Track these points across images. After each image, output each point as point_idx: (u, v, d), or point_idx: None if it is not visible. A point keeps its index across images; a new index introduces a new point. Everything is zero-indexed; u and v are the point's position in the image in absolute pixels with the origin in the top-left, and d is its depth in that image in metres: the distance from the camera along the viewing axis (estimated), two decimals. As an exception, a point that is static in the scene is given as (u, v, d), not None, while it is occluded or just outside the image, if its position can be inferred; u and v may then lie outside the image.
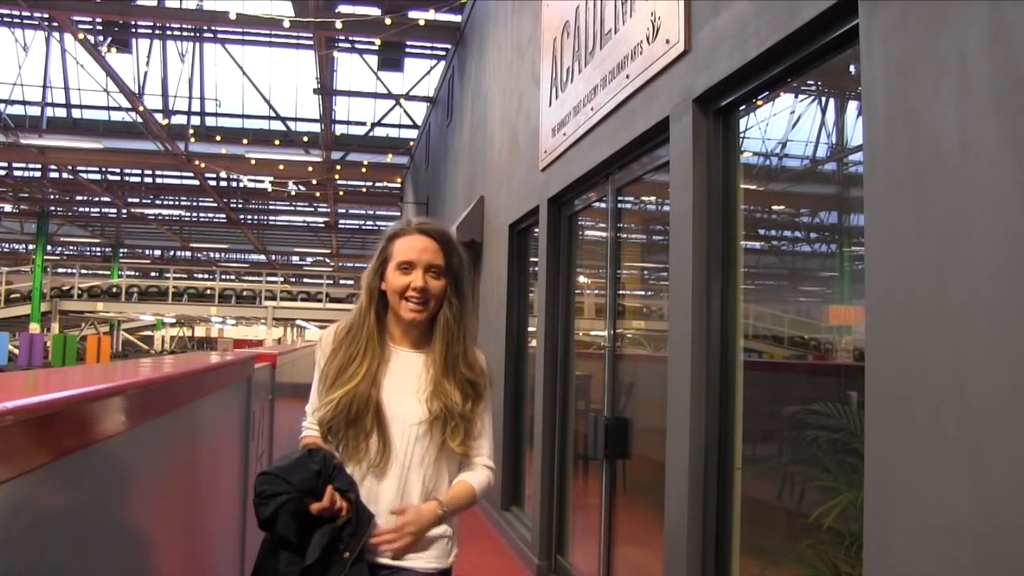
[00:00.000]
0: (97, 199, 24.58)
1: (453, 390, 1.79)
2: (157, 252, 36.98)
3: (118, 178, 22.85)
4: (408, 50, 13.44)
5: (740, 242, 2.72)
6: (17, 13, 14.85)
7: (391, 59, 13.27)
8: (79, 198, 25.21)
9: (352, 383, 1.77)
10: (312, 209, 26.24)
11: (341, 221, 27.93)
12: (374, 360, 1.80)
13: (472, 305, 1.92)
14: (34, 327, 24.12)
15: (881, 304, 1.78)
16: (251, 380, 3.07)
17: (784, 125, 2.71)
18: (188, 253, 36.96)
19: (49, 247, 28.42)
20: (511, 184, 5.97)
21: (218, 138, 17.22)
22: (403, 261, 1.79)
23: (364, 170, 17.24)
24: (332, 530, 1.67)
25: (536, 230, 5.19)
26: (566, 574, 4.47)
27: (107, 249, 33.41)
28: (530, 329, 5.69)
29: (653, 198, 3.87)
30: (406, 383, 1.81)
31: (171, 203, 26.86)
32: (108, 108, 18.54)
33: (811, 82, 2.59)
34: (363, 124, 18.12)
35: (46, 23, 15.51)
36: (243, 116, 19.47)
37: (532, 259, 5.56)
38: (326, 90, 14.14)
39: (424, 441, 1.78)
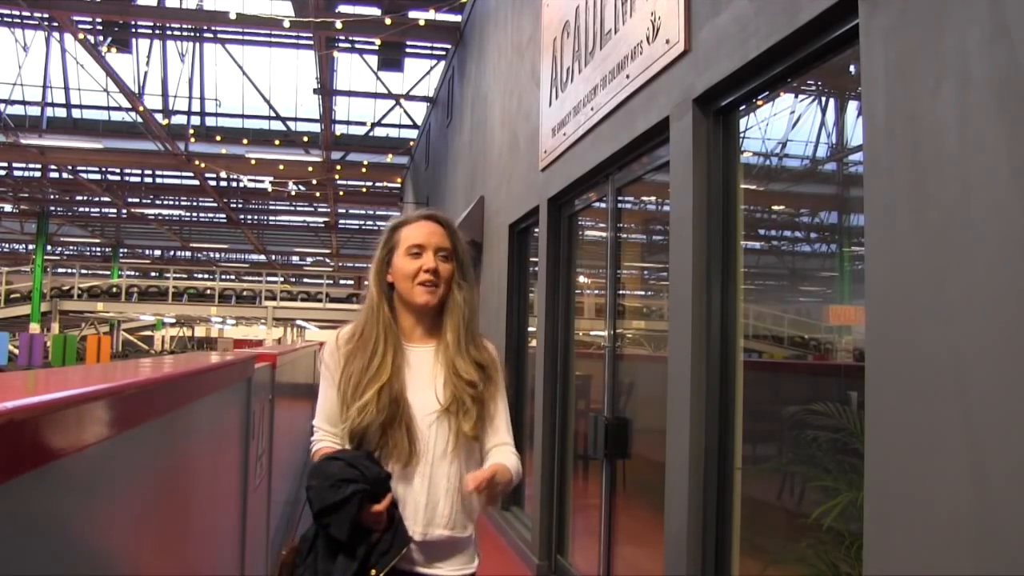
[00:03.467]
0: (97, 199, 24.58)
1: (467, 369, 1.78)
2: (157, 252, 36.99)
3: (118, 178, 22.85)
4: (408, 50, 13.45)
5: (740, 242, 2.72)
6: (17, 13, 14.85)
7: (391, 59, 13.28)
8: (79, 198, 25.21)
9: (383, 378, 1.74)
10: (312, 209, 26.24)
11: (341, 221, 27.94)
12: (397, 352, 1.78)
13: (477, 293, 1.93)
14: (34, 327, 24.12)
15: (881, 304, 1.78)
16: (251, 380, 3.07)
17: (784, 125, 2.71)
18: (188, 253, 36.97)
19: (49, 247, 28.41)
20: (511, 184, 5.97)
21: (218, 138, 17.22)
22: (413, 245, 1.80)
23: (364, 170, 17.23)
24: (367, 545, 1.64)
25: (536, 230, 5.19)
26: (566, 574, 4.47)
27: (107, 249, 33.41)
28: (530, 329, 5.69)
29: (653, 198, 3.87)
30: (422, 377, 1.80)
31: (171, 203, 26.86)
32: (108, 108, 18.56)
33: (811, 82, 2.59)
34: (363, 124, 18.12)
35: (46, 23, 15.50)
36: (243, 116, 19.50)
37: (532, 259, 5.56)
38: (326, 90, 14.13)
39: (443, 432, 1.76)
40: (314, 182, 18.68)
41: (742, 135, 2.77)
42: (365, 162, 16.99)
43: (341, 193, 21.06)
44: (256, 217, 28.62)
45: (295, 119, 18.94)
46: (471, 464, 1.80)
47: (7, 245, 35.68)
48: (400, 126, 18.05)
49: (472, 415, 1.77)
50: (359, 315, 1.87)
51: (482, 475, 1.64)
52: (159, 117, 16.76)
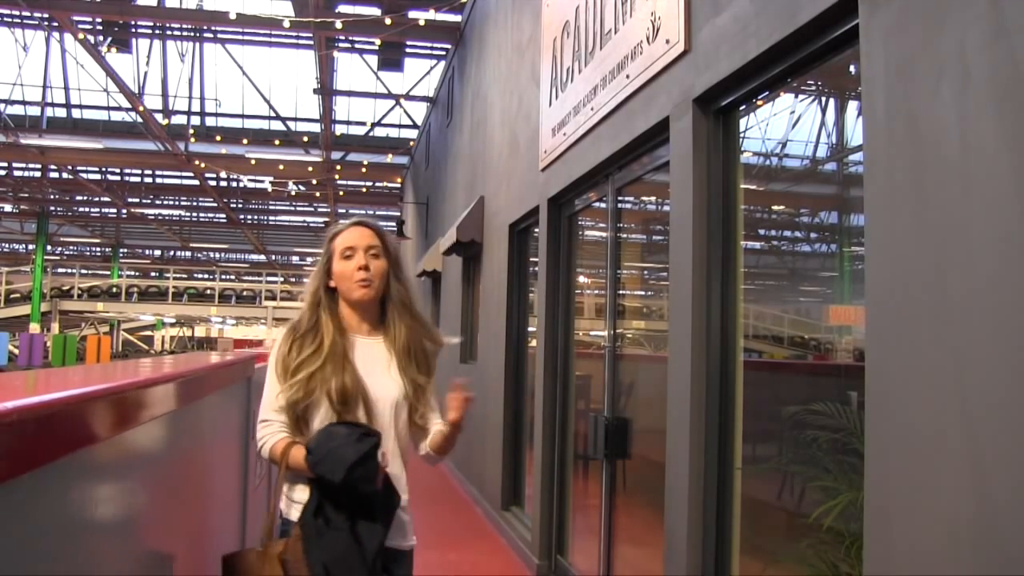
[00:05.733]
0: (97, 199, 24.57)
1: (416, 368, 1.99)
2: (157, 252, 36.98)
3: (118, 178, 22.84)
4: (408, 50, 13.44)
5: (740, 242, 2.72)
6: (17, 13, 14.85)
7: (391, 59, 13.28)
8: (79, 198, 25.20)
9: (315, 363, 1.88)
10: (312, 209, 26.23)
11: (341, 221, 27.90)
12: (335, 343, 1.93)
13: (413, 287, 2.12)
14: (34, 327, 24.12)
15: (881, 304, 1.78)
16: (251, 380, 3.07)
17: (784, 125, 2.71)
18: (188, 253, 36.96)
19: (49, 247, 28.41)
20: (511, 184, 5.97)
21: (218, 138, 17.21)
22: (346, 248, 1.98)
23: (364, 170, 17.23)
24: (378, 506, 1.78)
25: (536, 230, 5.19)
26: (566, 574, 4.47)
27: (107, 249, 33.40)
28: (530, 329, 5.69)
29: (653, 198, 3.87)
30: (376, 365, 1.96)
31: (171, 203, 26.86)
32: (108, 108, 18.55)
33: (811, 82, 2.59)
34: (363, 124, 18.11)
35: (46, 23, 15.50)
36: (243, 116, 19.47)
37: (532, 259, 5.56)
38: (326, 90, 14.13)
39: (402, 415, 1.96)
40: (314, 182, 18.68)
41: (742, 135, 2.77)
42: (365, 162, 16.98)
43: (341, 193, 21.05)
44: (256, 217, 28.61)
45: (295, 119, 18.94)
46: (407, 440, 2.02)
47: (7, 245, 35.67)
48: (400, 126, 18.04)
49: (420, 406, 1.99)
50: (298, 315, 2.02)
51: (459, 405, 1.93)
52: (159, 117, 16.75)
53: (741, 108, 2.71)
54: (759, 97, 2.64)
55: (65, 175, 21.33)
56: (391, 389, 1.94)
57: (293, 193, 20.35)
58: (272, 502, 1.91)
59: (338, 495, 1.76)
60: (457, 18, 10.20)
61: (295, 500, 1.88)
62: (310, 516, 1.77)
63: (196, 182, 21.06)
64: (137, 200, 25.03)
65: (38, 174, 22.04)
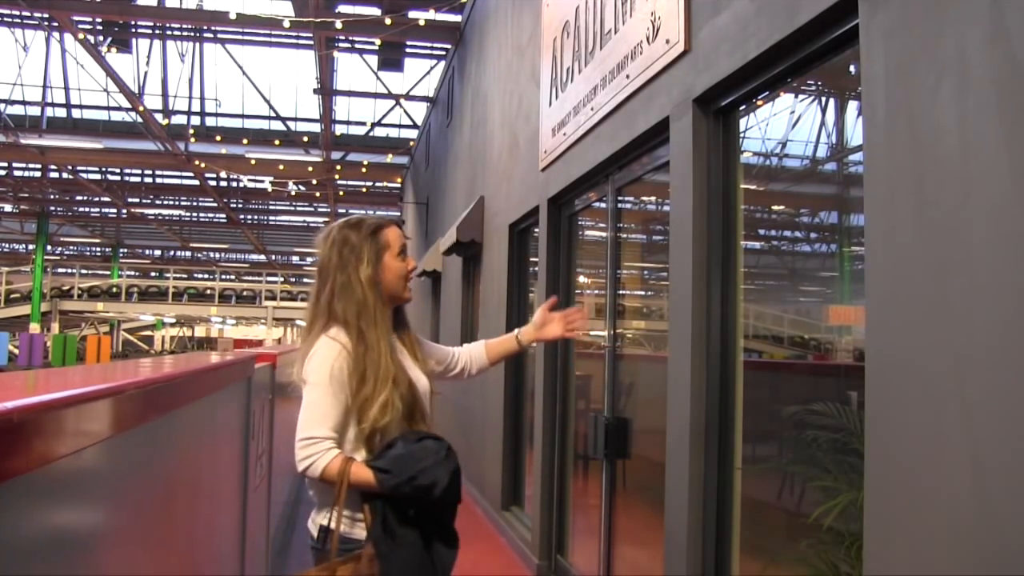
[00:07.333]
0: (97, 199, 24.57)
1: (431, 357, 2.12)
2: (157, 252, 36.99)
3: (118, 178, 22.85)
4: (408, 50, 13.43)
5: (740, 242, 2.72)
6: (17, 13, 14.84)
7: (391, 59, 13.27)
8: (79, 198, 25.20)
9: (391, 375, 1.84)
10: (312, 209, 26.23)
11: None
12: (393, 348, 1.91)
13: None
14: (34, 327, 24.13)
15: (881, 304, 1.78)
16: (251, 380, 3.07)
17: (784, 125, 2.71)
18: (188, 253, 36.97)
19: (49, 247, 28.42)
20: (511, 184, 5.97)
21: (218, 138, 17.21)
22: (402, 247, 1.99)
23: (364, 170, 17.22)
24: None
25: (536, 230, 5.19)
26: (566, 574, 4.47)
27: (107, 249, 33.41)
28: (530, 329, 5.68)
29: (653, 198, 3.87)
30: (406, 362, 1.96)
31: (171, 203, 26.87)
32: (108, 108, 18.56)
33: (811, 82, 2.59)
34: (363, 124, 18.12)
35: (46, 23, 15.49)
36: (243, 116, 19.49)
37: (532, 259, 5.56)
38: (326, 90, 14.13)
39: (432, 403, 2.03)
40: (314, 182, 18.67)
41: (742, 135, 2.77)
42: (365, 162, 16.98)
43: (341, 193, 21.05)
44: (256, 217, 28.61)
45: (295, 119, 18.95)
46: None
47: (7, 245, 35.68)
48: (400, 126, 18.04)
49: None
50: (346, 314, 1.87)
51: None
52: (159, 117, 16.76)
53: (741, 108, 2.71)
54: (759, 97, 2.64)
55: (65, 175, 21.33)
56: (425, 382, 1.98)
57: (293, 193, 20.35)
58: (336, 519, 1.78)
59: (405, 511, 1.73)
60: (457, 18, 10.20)
61: (357, 518, 1.80)
62: (380, 532, 1.73)
63: (196, 182, 21.06)
64: (137, 200, 25.03)
65: (38, 174, 22.04)
